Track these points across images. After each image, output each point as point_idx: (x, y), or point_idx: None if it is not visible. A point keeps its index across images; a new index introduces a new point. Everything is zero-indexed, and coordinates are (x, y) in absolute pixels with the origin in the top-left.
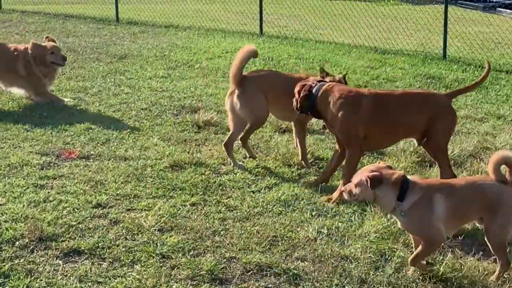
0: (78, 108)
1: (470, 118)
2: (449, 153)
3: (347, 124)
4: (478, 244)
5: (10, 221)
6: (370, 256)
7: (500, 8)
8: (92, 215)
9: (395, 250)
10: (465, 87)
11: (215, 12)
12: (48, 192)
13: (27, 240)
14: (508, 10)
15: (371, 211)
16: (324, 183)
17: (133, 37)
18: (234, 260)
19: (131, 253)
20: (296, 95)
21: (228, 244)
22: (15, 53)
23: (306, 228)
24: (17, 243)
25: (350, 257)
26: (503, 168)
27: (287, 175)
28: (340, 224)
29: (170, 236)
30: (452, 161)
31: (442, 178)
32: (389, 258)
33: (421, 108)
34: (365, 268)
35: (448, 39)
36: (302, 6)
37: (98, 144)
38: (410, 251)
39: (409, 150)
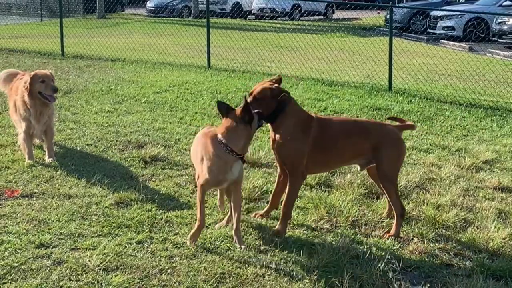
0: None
1: (416, 149)
2: None
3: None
4: (424, 275)
5: None
6: None
7: (443, 40)
8: (35, 256)
9: (343, 283)
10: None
11: (162, 46)
12: None
13: None
14: (451, 42)
15: (320, 245)
16: (274, 210)
17: (78, 71)
18: None
19: None
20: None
21: (175, 282)
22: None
23: (254, 264)
24: None
25: None
26: None
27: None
28: (288, 258)
29: (116, 276)
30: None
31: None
32: None
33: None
34: None
35: (393, 70)
36: (250, 39)
37: (42, 182)
38: (359, 285)
39: (356, 182)
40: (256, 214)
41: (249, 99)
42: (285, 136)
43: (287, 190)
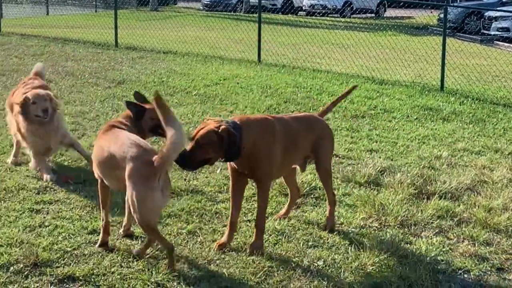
0: (76, 133)
1: (467, 151)
2: (446, 185)
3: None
4: (474, 278)
5: (5, 246)
6: None
7: (497, 41)
8: (87, 241)
9: (392, 283)
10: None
11: (213, 39)
12: (44, 217)
13: (21, 266)
14: (506, 44)
15: (368, 243)
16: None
17: (131, 62)
18: None
19: (126, 280)
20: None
21: (223, 273)
22: None
23: (302, 259)
24: (12, 268)
25: None
26: None
27: (283, 204)
28: (336, 256)
29: (166, 264)
30: (449, 194)
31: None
32: None
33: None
34: None
35: (446, 70)
36: (300, 35)
37: None
38: (408, 284)
39: (406, 182)
40: (220, 243)
41: (190, 146)
42: (258, 156)
43: (259, 203)
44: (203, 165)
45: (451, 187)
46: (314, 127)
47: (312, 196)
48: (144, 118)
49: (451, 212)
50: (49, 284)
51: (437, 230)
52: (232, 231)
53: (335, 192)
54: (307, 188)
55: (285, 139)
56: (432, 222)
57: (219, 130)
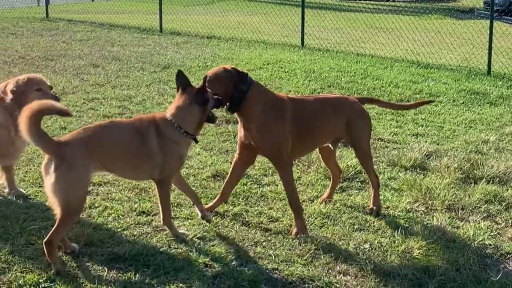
0: (123, 116)
1: None
2: (494, 170)
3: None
4: None
5: None
6: (414, 273)
7: None
8: (136, 222)
9: (439, 267)
10: (384, 102)
11: (256, 24)
12: (94, 198)
13: None
14: None
15: (415, 227)
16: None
17: (176, 47)
18: (277, 271)
19: (175, 261)
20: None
21: (270, 255)
22: None
23: (348, 242)
24: None
25: (393, 273)
26: None
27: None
28: (382, 239)
29: (213, 246)
30: (497, 179)
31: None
32: (432, 275)
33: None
34: (408, 284)
35: (492, 54)
36: (344, 19)
37: None
38: (455, 268)
39: (453, 166)
40: (206, 207)
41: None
42: (261, 126)
43: (284, 186)
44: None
45: (499, 172)
46: (344, 108)
47: (357, 180)
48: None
49: (499, 196)
50: (100, 264)
51: (485, 215)
52: (221, 199)
53: (380, 176)
54: (352, 172)
55: (300, 120)
56: (479, 207)
57: (229, 68)
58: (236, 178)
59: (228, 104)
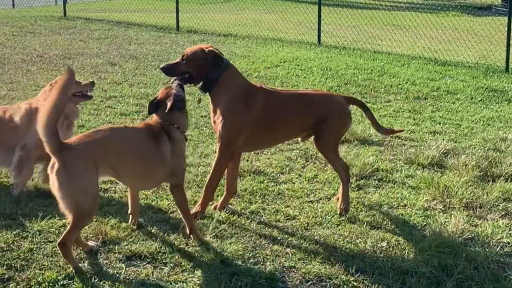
0: (140, 114)
1: None
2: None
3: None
4: None
5: None
6: (431, 271)
7: None
8: (153, 220)
9: (457, 265)
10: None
11: (273, 22)
12: (111, 196)
13: None
14: None
15: (433, 225)
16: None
17: (193, 45)
18: (294, 269)
19: (192, 259)
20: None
21: (287, 253)
22: None
23: (365, 240)
24: None
25: (411, 271)
26: None
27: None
28: (400, 237)
29: (230, 243)
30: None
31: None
32: (450, 273)
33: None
34: (426, 283)
35: (511, 51)
36: (360, 17)
37: None
38: (473, 266)
39: (471, 164)
40: (217, 205)
41: (179, 59)
42: (224, 110)
43: (211, 170)
44: (183, 82)
45: None
46: (319, 106)
47: (374, 177)
48: None
49: None
50: (118, 261)
51: (503, 213)
52: (228, 193)
53: (398, 173)
54: (369, 170)
55: (266, 113)
56: (498, 205)
57: (206, 50)
58: (234, 166)
59: (202, 83)
